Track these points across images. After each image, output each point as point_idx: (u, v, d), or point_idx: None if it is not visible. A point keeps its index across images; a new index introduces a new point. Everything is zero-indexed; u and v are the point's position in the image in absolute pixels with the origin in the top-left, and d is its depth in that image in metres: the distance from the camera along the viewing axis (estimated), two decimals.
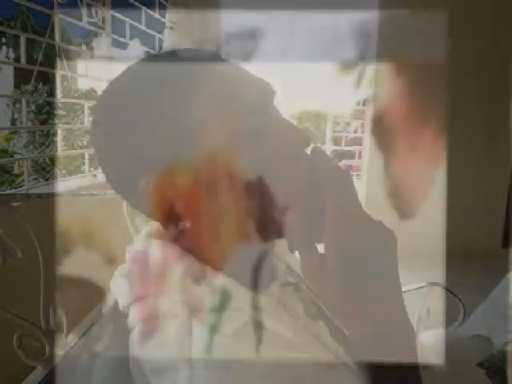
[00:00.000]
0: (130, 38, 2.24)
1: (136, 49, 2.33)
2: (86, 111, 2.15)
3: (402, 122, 2.99)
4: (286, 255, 0.54)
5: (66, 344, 0.74)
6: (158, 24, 2.57)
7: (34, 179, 3.29)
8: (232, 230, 0.43)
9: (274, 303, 0.47)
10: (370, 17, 2.97)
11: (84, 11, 1.79)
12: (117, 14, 2.07)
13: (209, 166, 0.42)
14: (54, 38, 1.65)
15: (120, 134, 0.44)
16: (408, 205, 2.97)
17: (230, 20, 2.86)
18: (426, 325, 0.87)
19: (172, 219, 0.44)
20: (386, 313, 0.38)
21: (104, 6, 1.95)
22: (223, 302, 0.43)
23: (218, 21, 2.84)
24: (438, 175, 2.79)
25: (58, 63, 1.77)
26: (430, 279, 0.93)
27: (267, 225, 0.43)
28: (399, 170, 3.00)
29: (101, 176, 1.83)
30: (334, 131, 3.98)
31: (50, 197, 1.17)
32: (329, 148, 3.84)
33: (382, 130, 3.05)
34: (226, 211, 0.43)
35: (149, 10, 2.42)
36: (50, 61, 1.80)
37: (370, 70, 3.14)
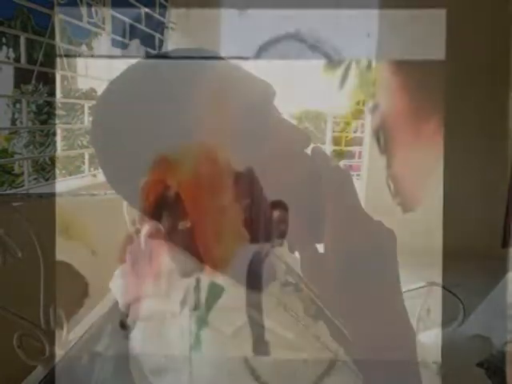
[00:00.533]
0: (130, 38, 2.24)
1: (136, 49, 2.33)
2: (86, 111, 2.15)
3: (403, 121, 2.99)
4: (285, 255, 0.54)
5: (66, 344, 0.74)
6: (157, 24, 2.57)
7: (34, 179, 3.29)
8: (232, 229, 0.43)
9: (274, 303, 0.47)
10: (370, 16, 2.97)
11: (84, 11, 1.79)
12: (117, 14, 2.07)
13: (208, 164, 0.42)
14: (54, 38, 1.65)
15: (120, 133, 0.44)
16: (411, 200, 2.96)
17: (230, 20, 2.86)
18: (426, 325, 0.87)
19: (171, 218, 0.44)
20: (386, 313, 0.38)
21: (104, 5, 1.95)
22: (214, 294, 0.42)
23: (218, 21, 2.84)
24: (438, 174, 2.79)
25: (58, 63, 1.77)
26: (429, 279, 0.93)
27: (266, 224, 0.43)
28: (402, 168, 3.00)
29: (101, 176, 1.83)
30: (333, 131, 3.98)
31: (51, 197, 1.17)
32: (329, 148, 3.84)
33: (384, 130, 3.05)
34: (226, 209, 0.42)
35: (149, 10, 2.42)
36: (50, 61, 1.80)
37: (354, 69, 3.15)
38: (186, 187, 0.42)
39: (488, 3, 2.88)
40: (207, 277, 0.43)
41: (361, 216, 0.40)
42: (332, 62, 3.21)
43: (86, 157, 2.09)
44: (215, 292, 0.42)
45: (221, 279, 0.43)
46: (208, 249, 0.44)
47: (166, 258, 0.44)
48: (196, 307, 0.41)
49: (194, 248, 0.45)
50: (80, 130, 3.51)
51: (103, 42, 2.09)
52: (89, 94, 3.56)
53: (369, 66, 3.14)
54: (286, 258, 0.54)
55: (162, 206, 0.44)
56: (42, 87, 3.90)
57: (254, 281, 0.45)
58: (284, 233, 0.43)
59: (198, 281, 0.42)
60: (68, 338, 0.76)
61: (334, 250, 0.38)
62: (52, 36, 1.64)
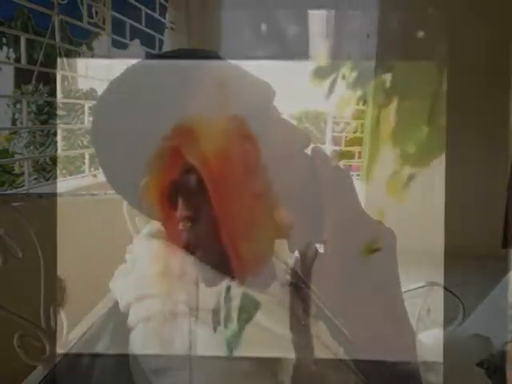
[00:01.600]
0: (130, 38, 2.24)
1: (136, 49, 2.33)
2: (87, 111, 2.15)
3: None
4: (286, 255, 0.54)
5: (66, 344, 0.74)
6: (158, 24, 2.57)
7: (35, 179, 3.28)
8: (268, 223, 0.38)
9: (274, 303, 0.47)
10: (370, 17, 2.97)
11: (84, 11, 1.79)
12: (117, 14, 2.07)
13: (240, 140, 0.39)
14: (54, 39, 1.65)
15: (120, 133, 0.44)
16: None
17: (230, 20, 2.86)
18: (426, 324, 0.87)
19: (190, 207, 0.40)
20: (385, 313, 0.38)
21: (104, 6, 1.95)
22: (248, 310, 0.37)
23: (218, 21, 2.84)
24: (438, 175, 2.79)
25: (59, 63, 1.77)
26: (429, 279, 0.93)
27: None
28: None
29: (101, 176, 1.83)
30: (333, 131, 3.97)
31: (51, 197, 1.17)
32: (329, 148, 3.84)
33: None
34: (260, 197, 0.39)
35: (149, 10, 2.42)
36: (50, 61, 1.80)
37: (340, 79, 3.17)
38: (211, 167, 0.37)
39: (488, 3, 2.88)
40: (238, 286, 0.39)
41: (361, 216, 0.40)
42: (320, 72, 3.22)
43: (87, 157, 2.09)
44: (249, 308, 0.38)
45: (255, 292, 0.39)
46: (239, 248, 0.38)
47: (167, 258, 0.44)
48: (226, 323, 0.37)
49: (219, 247, 0.39)
50: (80, 130, 3.51)
51: (103, 42, 2.09)
52: (89, 94, 3.56)
53: (357, 80, 3.15)
54: (286, 258, 0.54)
55: (178, 190, 0.40)
56: (42, 87, 3.90)
57: (301, 290, 0.40)
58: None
59: (228, 289, 0.38)
60: (68, 338, 0.76)
61: (334, 250, 0.38)
62: (52, 36, 1.64)
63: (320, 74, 3.21)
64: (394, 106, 3.02)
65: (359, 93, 3.21)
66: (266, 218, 0.39)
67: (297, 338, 0.44)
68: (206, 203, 0.38)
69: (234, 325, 0.37)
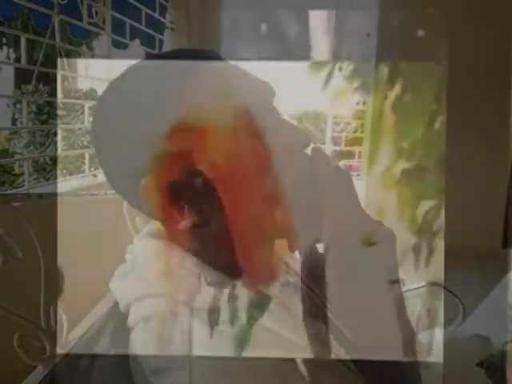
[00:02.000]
0: (130, 38, 2.24)
1: (136, 49, 2.33)
2: (87, 111, 2.15)
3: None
4: (286, 255, 0.54)
5: (66, 344, 0.74)
6: (158, 24, 2.57)
7: (35, 179, 3.28)
8: (279, 226, 0.38)
9: (274, 303, 0.47)
10: (370, 17, 2.97)
11: (84, 11, 1.79)
12: (117, 14, 2.07)
13: (249, 137, 0.39)
14: (54, 39, 1.65)
15: (120, 133, 0.44)
16: None
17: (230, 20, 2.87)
18: (426, 324, 0.87)
19: (197, 211, 0.40)
20: (385, 313, 0.39)
21: (104, 6, 1.95)
22: (258, 305, 0.37)
23: (218, 21, 2.84)
24: (438, 174, 2.78)
25: (59, 63, 1.77)
26: (429, 279, 0.93)
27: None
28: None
29: (101, 176, 1.83)
30: (333, 131, 3.97)
31: (51, 197, 1.17)
32: (329, 148, 3.84)
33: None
34: (271, 199, 0.39)
35: (149, 10, 2.42)
36: (50, 61, 1.80)
37: (337, 71, 3.18)
38: (222, 171, 0.37)
39: (488, 3, 2.88)
40: (246, 289, 0.39)
41: (361, 216, 0.40)
42: (317, 63, 3.23)
43: (87, 157, 2.09)
44: (259, 302, 0.38)
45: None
46: (249, 254, 0.38)
47: (168, 258, 0.44)
48: (232, 322, 0.37)
49: (226, 250, 0.40)
50: (80, 130, 3.51)
51: (103, 42, 2.09)
52: (89, 94, 3.56)
53: (354, 72, 3.16)
54: (286, 258, 0.54)
55: (183, 194, 0.39)
56: (42, 87, 3.90)
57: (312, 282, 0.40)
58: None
59: (232, 288, 0.38)
60: (68, 338, 0.76)
61: (333, 249, 0.38)
62: (52, 36, 1.64)
63: (316, 65, 3.23)
64: (392, 105, 3.02)
65: (355, 84, 3.22)
66: (270, 220, 0.39)
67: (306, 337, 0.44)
68: (214, 207, 0.38)
69: (242, 321, 0.37)
